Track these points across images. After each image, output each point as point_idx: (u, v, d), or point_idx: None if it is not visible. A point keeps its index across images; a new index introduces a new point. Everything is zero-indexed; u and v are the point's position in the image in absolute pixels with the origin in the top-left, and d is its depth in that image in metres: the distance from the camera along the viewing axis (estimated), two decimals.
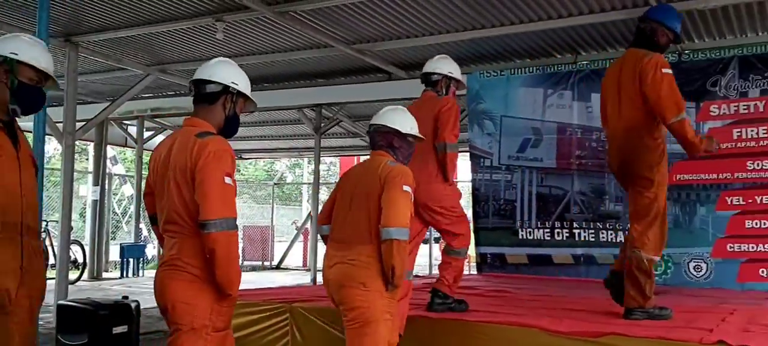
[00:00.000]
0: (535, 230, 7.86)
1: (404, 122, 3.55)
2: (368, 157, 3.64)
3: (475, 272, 8.41)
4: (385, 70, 8.70)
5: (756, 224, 6.48)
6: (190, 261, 2.68)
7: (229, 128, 2.95)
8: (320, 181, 12.69)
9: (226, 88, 2.90)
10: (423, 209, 4.34)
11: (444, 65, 4.79)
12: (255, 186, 25.16)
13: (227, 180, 2.68)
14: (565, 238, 7.65)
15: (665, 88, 3.93)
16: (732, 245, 6.71)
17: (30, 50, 2.79)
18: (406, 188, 3.23)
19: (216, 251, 2.60)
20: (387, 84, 9.02)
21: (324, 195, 32.89)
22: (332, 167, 28.64)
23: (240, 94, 2.95)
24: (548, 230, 7.72)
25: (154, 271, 3.28)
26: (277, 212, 20.45)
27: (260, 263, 15.66)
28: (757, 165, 6.63)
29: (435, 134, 4.47)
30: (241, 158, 18.61)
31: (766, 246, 6.42)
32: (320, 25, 7.08)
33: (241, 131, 13.92)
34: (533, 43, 7.54)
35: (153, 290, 2.78)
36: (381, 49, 7.81)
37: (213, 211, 2.60)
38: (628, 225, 7.16)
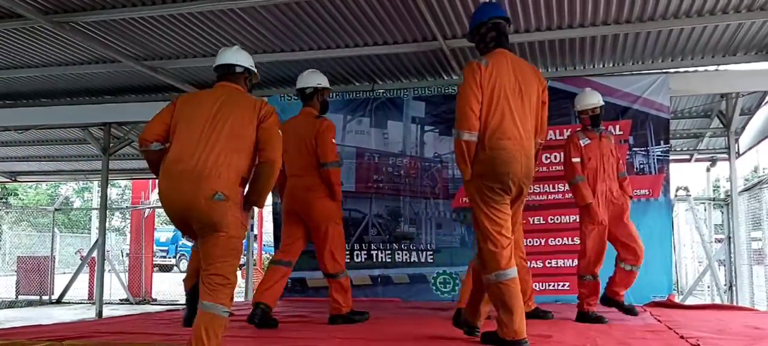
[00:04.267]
0: None
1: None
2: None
3: None
4: (180, 89, 8.32)
5: (529, 242, 7.10)
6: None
7: (325, 111, 5.39)
8: (112, 206, 11.74)
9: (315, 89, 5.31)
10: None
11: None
12: (35, 212, 22.72)
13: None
14: (363, 259, 7.85)
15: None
16: (529, 262, 7.30)
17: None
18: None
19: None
20: None
21: (116, 222, 30.44)
22: (127, 191, 26.83)
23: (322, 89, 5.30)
24: (348, 253, 7.83)
25: None
26: (62, 241, 18.66)
27: (38, 296, 14.06)
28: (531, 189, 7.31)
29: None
30: (15, 180, 16.63)
31: (537, 262, 7.08)
32: (107, 38, 6.61)
33: (17, 151, 12.68)
34: (333, 69, 7.68)
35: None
36: (175, 66, 7.47)
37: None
38: (420, 246, 7.65)
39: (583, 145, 5.42)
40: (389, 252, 7.78)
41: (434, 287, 7.59)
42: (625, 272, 5.36)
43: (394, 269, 7.68)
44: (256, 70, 4.04)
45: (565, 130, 7.15)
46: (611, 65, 7.54)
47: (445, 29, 6.38)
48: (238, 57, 3.94)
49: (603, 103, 5.56)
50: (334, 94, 8.11)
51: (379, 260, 7.75)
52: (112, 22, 6.16)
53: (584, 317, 5.30)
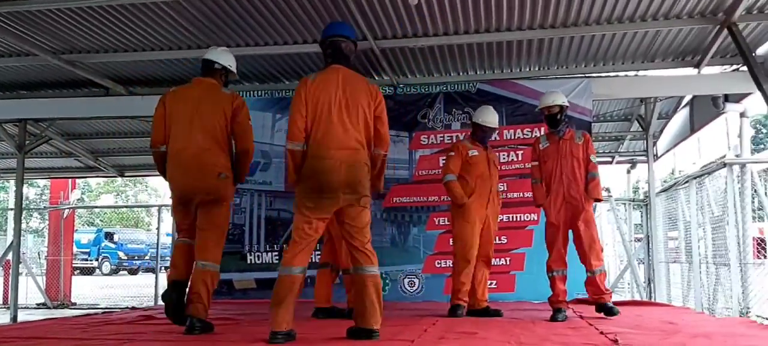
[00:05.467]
0: (264, 254, 7.85)
1: None
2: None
3: None
4: (101, 85, 8.01)
5: None
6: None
7: None
8: (30, 206, 11.17)
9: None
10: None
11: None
12: None
13: None
14: None
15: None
16: (439, 261, 7.41)
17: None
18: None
19: None
20: (105, 100, 8.32)
21: (35, 222, 29.13)
22: (47, 191, 25.63)
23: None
24: (277, 254, 7.75)
25: None
26: None
27: None
28: None
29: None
30: None
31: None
32: (22, 30, 6.29)
33: None
34: (262, 67, 7.56)
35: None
36: (96, 61, 7.19)
37: None
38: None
39: (541, 148, 5.61)
40: (318, 252, 7.69)
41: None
42: (588, 278, 5.49)
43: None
44: (233, 69, 4.76)
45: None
46: (537, 69, 7.72)
47: (375, 30, 6.38)
48: (218, 56, 4.71)
49: (562, 104, 5.58)
50: (263, 93, 7.99)
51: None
52: (28, 14, 5.86)
53: (555, 314, 5.40)
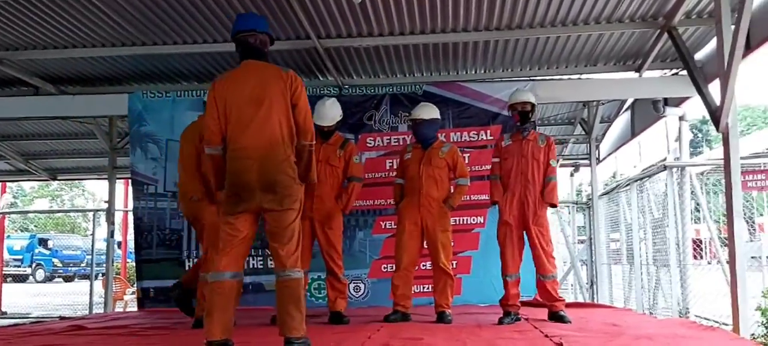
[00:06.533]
0: None
1: None
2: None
3: (135, 309, 7.76)
4: (30, 84, 7.60)
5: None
6: None
7: None
8: None
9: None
10: None
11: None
12: None
13: None
14: None
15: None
16: (386, 266, 7.29)
17: None
18: None
19: None
20: (34, 99, 7.89)
21: None
22: None
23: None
24: None
25: None
26: None
27: None
28: None
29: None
30: None
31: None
32: None
33: None
34: (200, 65, 7.31)
35: None
36: (24, 58, 6.80)
37: None
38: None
39: (504, 145, 5.64)
40: (261, 258, 7.48)
41: (309, 293, 7.39)
42: (538, 281, 5.45)
43: (266, 276, 7.38)
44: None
45: (439, 134, 7.20)
46: (482, 71, 7.71)
47: (318, 28, 6.22)
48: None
49: (534, 102, 5.65)
50: (203, 92, 7.70)
51: (251, 266, 7.43)
52: None
53: (504, 317, 5.34)
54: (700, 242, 9.06)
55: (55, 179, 13.34)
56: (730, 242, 5.04)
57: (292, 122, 3.85)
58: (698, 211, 7.86)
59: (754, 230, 9.53)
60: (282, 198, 3.71)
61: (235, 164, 3.75)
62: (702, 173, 8.28)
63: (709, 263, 9.30)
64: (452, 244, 5.83)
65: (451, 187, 5.79)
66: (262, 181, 3.69)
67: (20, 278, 24.91)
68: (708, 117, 5.80)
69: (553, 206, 5.58)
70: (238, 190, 3.72)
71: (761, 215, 9.79)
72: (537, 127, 5.90)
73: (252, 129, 3.75)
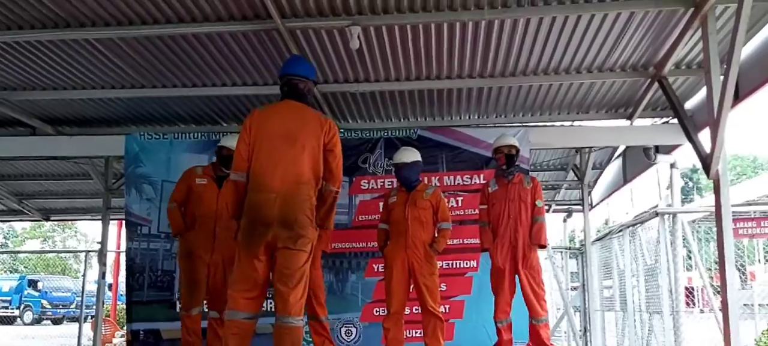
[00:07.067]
0: None
1: None
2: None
3: None
4: (27, 124, 7.64)
5: None
6: None
7: None
8: None
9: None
10: None
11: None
12: None
13: None
14: None
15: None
16: (377, 309, 7.24)
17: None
18: None
19: None
20: (31, 140, 7.91)
21: None
22: None
23: None
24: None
25: None
26: None
27: None
28: None
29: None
30: None
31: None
32: None
33: None
34: (198, 108, 7.38)
35: None
36: (21, 99, 6.86)
37: None
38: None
39: (490, 191, 5.70)
40: None
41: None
42: (531, 325, 5.44)
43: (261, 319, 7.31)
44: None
45: (433, 177, 7.26)
46: (476, 117, 7.81)
47: (316, 75, 6.30)
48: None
49: (518, 146, 5.79)
50: (201, 135, 7.76)
51: None
52: None
53: None
54: (693, 289, 9.05)
55: (48, 219, 13.28)
56: (722, 290, 5.04)
57: (321, 166, 3.89)
58: (690, 258, 7.87)
59: (746, 277, 9.55)
60: (297, 237, 3.70)
61: (257, 196, 3.72)
62: (693, 221, 8.32)
63: (701, 312, 9.28)
64: (444, 288, 5.82)
65: (436, 231, 5.81)
66: (281, 216, 3.68)
67: (8, 320, 24.52)
68: (698, 165, 5.87)
69: (542, 246, 5.61)
70: (256, 223, 3.69)
71: (752, 263, 9.82)
72: (523, 171, 5.98)
73: (282, 165, 3.76)
